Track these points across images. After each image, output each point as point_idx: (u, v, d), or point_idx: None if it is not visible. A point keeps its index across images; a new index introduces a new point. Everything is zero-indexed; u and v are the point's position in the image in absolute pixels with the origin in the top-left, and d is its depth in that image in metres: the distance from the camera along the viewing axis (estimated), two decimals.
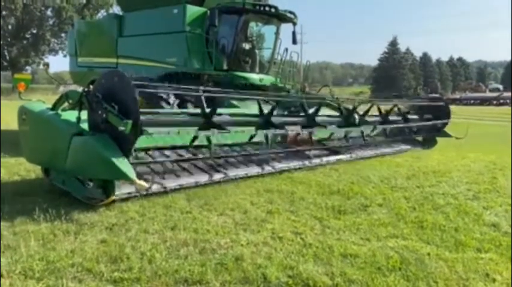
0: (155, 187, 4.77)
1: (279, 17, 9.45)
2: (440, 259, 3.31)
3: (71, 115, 4.77)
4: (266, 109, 6.17)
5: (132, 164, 4.40)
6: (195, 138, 5.42)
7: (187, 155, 5.62)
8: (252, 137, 6.26)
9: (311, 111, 6.75)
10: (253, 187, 5.34)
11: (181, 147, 5.67)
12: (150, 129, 4.52)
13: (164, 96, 7.43)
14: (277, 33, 9.88)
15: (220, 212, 4.32)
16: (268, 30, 10.03)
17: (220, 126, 5.31)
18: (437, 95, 14.72)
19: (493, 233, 3.93)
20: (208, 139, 5.40)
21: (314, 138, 7.21)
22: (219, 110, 5.50)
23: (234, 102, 7.59)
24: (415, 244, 3.59)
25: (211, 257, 3.22)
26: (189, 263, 3.10)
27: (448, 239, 3.74)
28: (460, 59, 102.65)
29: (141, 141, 4.72)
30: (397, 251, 3.42)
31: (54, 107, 5.02)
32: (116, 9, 22.10)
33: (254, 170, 5.95)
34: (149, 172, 5.08)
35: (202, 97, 5.42)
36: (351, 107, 7.82)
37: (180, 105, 7.60)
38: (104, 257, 3.17)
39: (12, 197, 4.64)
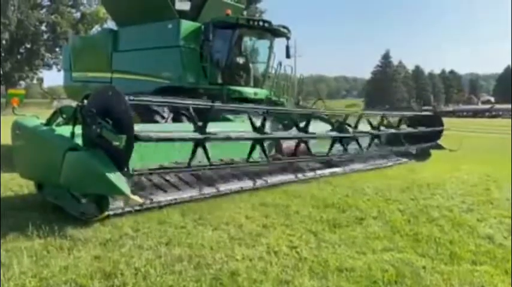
0: (148, 202, 4.75)
1: (272, 32, 9.54)
2: (435, 271, 3.31)
3: (65, 130, 4.74)
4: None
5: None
6: (196, 146, 5.14)
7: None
8: (251, 151, 6.16)
9: (302, 125, 6.72)
10: (248, 201, 5.32)
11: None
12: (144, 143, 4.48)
13: (158, 110, 7.45)
14: (271, 48, 9.95)
15: (215, 227, 4.29)
16: (262, 45, 10.10)
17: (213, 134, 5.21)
18: (430, 108, 14.85)
19: (488, 245, 3.94)
20: (205, 149, 5.28)
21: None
22: (212, 124, 5.47)
23: (228, 116, 7.60)
24: (411, 257, 3.59)
25: (206, 272, 3.20)
26: (184, 279, 3.07)
27: (443, 251, 3.74)
28: (452, 72, 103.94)
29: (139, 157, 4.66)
30: (392, 264, 3.42)
31: (49, 122, 5.00)
32: (111, 24, 22.16)
33: (248, 184, 5.93)
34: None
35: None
36: (341, 119, 7.79)
37: (174, 119, 7.60)
38: (98, 273, 3.13)
39: (5, 213, 4.59)
